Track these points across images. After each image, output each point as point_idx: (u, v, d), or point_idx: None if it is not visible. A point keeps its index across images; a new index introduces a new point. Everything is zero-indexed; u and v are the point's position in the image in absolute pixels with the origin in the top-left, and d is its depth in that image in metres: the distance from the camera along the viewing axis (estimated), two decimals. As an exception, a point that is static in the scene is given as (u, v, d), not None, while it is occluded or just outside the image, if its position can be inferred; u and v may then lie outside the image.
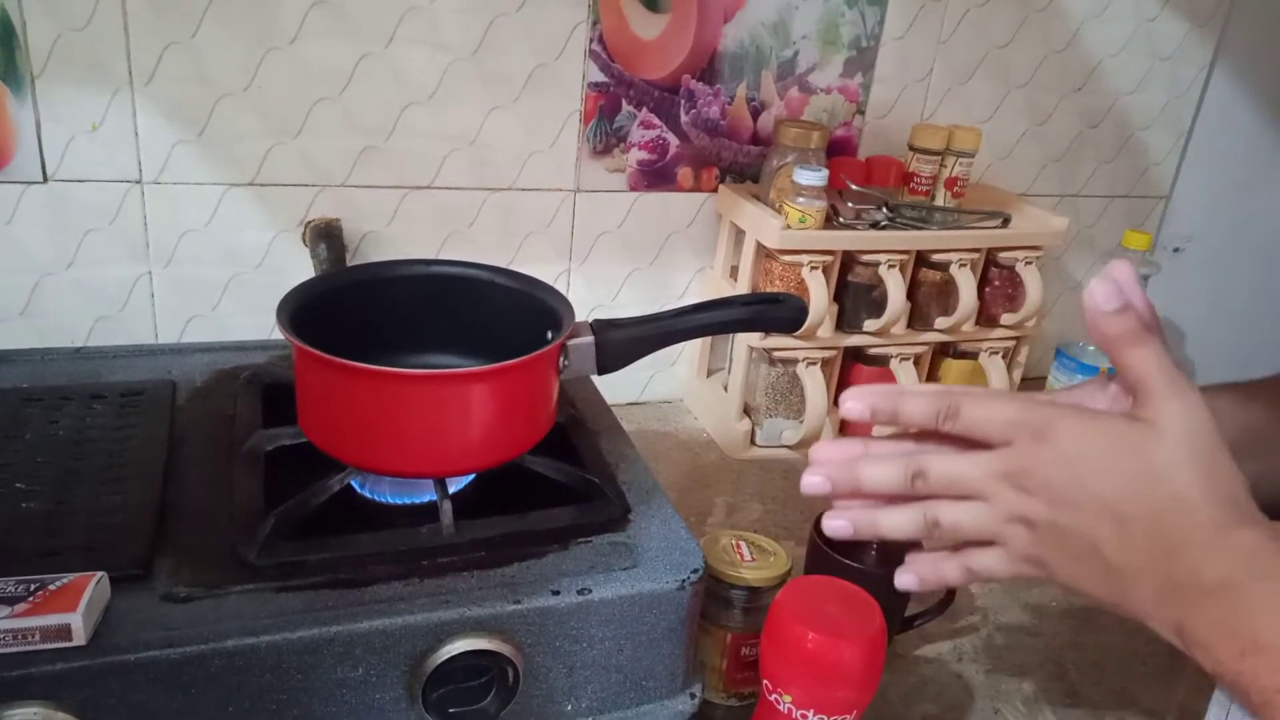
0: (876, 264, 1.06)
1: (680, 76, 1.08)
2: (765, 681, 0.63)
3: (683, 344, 1.18)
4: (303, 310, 0.68)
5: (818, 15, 1.10)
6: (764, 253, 1.06)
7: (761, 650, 0.64)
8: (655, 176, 1.11)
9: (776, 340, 1.06)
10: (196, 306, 0.99)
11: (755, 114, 1.12)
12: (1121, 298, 0.51)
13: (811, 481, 0.59)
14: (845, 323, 1.10)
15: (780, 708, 0.62)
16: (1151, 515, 0.50)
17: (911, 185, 1.13)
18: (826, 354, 1.09)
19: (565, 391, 0.82)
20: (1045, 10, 1.20)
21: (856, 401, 0.56)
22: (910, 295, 1.11)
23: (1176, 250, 1.42)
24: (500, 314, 0.77)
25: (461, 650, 0.59)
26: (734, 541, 0.75)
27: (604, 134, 1.07)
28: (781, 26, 1.09)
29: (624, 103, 1.07)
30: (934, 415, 0.55)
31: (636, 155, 1.09)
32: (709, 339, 1.19)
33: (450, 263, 0.80)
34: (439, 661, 0.59)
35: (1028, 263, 1.13)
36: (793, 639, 0.60)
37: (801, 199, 1.01)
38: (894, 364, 1.11)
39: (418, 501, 0.72)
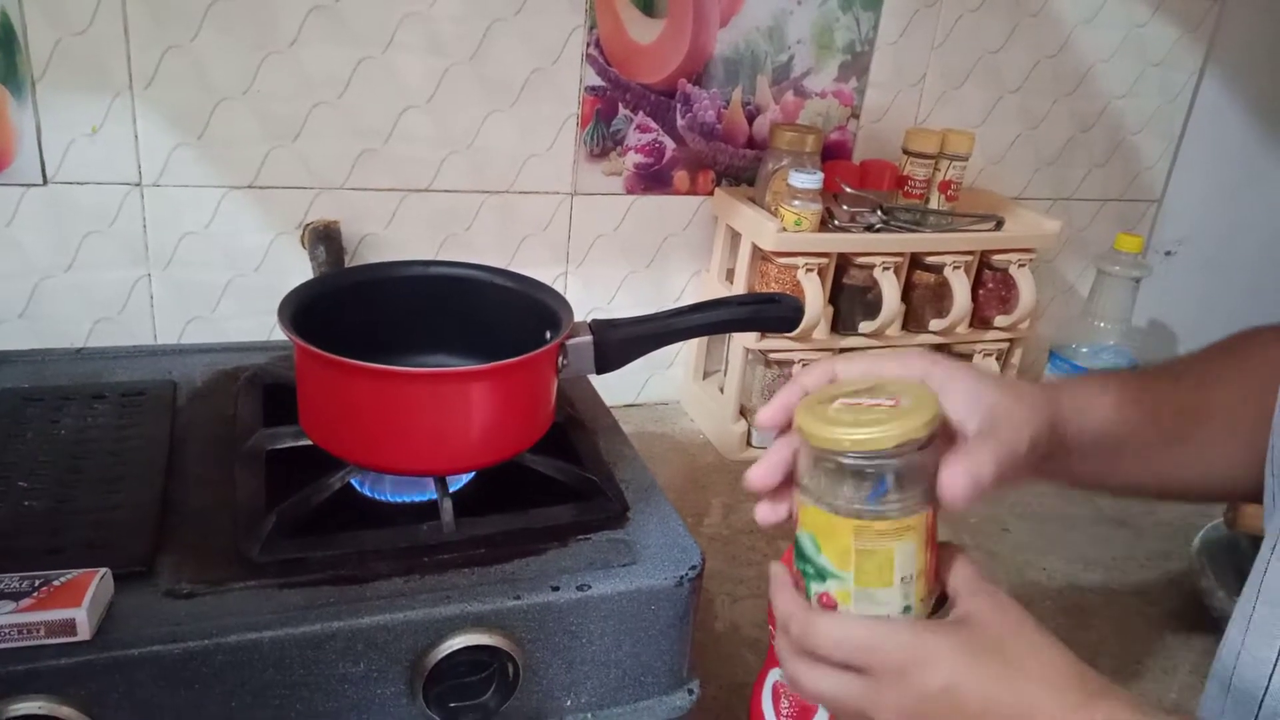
0: (871, 266, 1.07)
1: (676, 80, 1.09)
2: (771, 626, 0.62)
3: (679, 346, 1.19)
4: (304, 310, 0.69)
5: (812, 20, 1.11)
6: (760, 255, 1.07)
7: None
8: (652, 180, 1.12)
9: (772, 342, 1.07)
10: (196, 309, 1.00)
11: (750, 118, 1.13)
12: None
13: None
14: (840, 325, 1.11)
15: None
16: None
17: (906, 189, 1.14)
18: (822, 356, 1.10)
19: (564, 391, 0.82)
20: (1037, 16, 1.21)
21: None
22: (905, 297, 1.12)
23: (1168, 254, 1.43)
24: (499, 314, 0.77)
25: (462, 645, 0.59)
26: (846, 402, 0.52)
27: (601, 137, 1.08)
28: (776, 31, 1.10)
29: (620, 106, 1.07)
30: (787, 635, 0.53)
31: (633, 158, 1.10)
32: (705, 341, 1.20)
33: (450, 263, 0.80)
34: (440, 657, 0.59)
35: (1021, 265, 1.14)
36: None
37: (797, 202, 1.02)
38: (889, 366, 1.12)
39: (418, 500, 0.72)
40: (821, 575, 0.51)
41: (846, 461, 0.49)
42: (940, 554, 0.52)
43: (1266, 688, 0.55)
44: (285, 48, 0.93)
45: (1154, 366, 0.67)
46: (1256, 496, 0.65)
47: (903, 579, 0.50)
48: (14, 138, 0.88)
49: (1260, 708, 0.55)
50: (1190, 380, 0.65)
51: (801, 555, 0.52)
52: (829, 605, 0.51)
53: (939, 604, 0.53)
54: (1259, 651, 0.56)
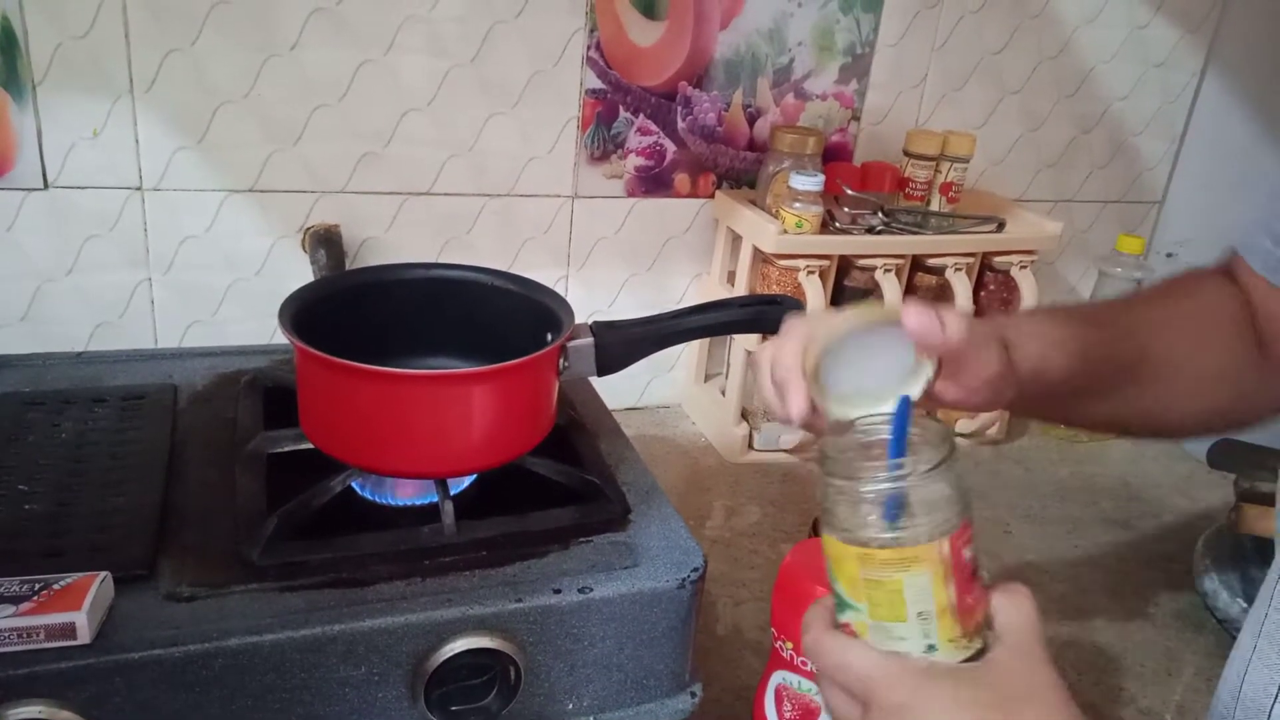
0: (873, 268, 1.07)
1: (677, 83, 1.08)
2: (774, 629, 0.66)
3: (681, 349, 1.19)
4: (305, 313, 0.69)
5: (813, 22, 1.11)
6: (761, 257, 1.07)
7: (773, 605, 0.65)
8: (652, 182, 1.12)
9: (774, 344, 1.07)
10: (196, 312, 1.00)
11: (751, 120, 1.13)
12: None
13: None
14: (842, 327, 1.11)
15: (784, 654, 0.65)
16: None
17: (907, 190, 1.14)
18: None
19: (565, 394, 0.82)
20: (1038, 17, 1.21)
21: None
22: (906, 299, 1.11)
23: (1170, 255, 1.43)
24: (500, 317, 0.77)
25: (463, 649, 0.59)
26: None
27: (601, 140, 1.08)
28: (777, 33, 1.10)
29: (621, 109, 1.07)
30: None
31: (634, 161, 1.10)
32: (707, 344, 1.20)
33: (451, 266, 0.80)
34: (441, 660, 0.59)
35: (1022, 267, 1.14)
36: (804, 596, 0.60)
37: (798, 204, 1.02)
38: (891, 368, 1.12)
39: (419, 502, 0.72)
40: (842, 605, 0.50)
41: (859, 488, 0.48)
42: (999, 594, 0.50)
43: (1276, 698, 0.54)
44: (286, 51, 0.93)
45: (1096, 307, 0.67)
46: (1208, 432, 0.73)
47: (919, 614, 0.47)
48: (15, 142, 0.88)
49: (1269, 716, 0.54)
50: (1128, 328, 0.65)
51: (829, 583, 0.52)
52: (851, 635, 0.50)
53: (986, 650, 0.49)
54: (1270, 659, 0.55)
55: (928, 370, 0.55)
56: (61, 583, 0.54)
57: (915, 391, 0.54)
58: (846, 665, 0.49)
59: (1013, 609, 0.49)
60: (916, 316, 0.50)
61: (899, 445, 0.49)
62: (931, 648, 0.48)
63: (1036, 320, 0.61)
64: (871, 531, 0.48)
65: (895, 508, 0.48)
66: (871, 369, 0.54)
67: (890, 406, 0.51)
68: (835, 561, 0.50)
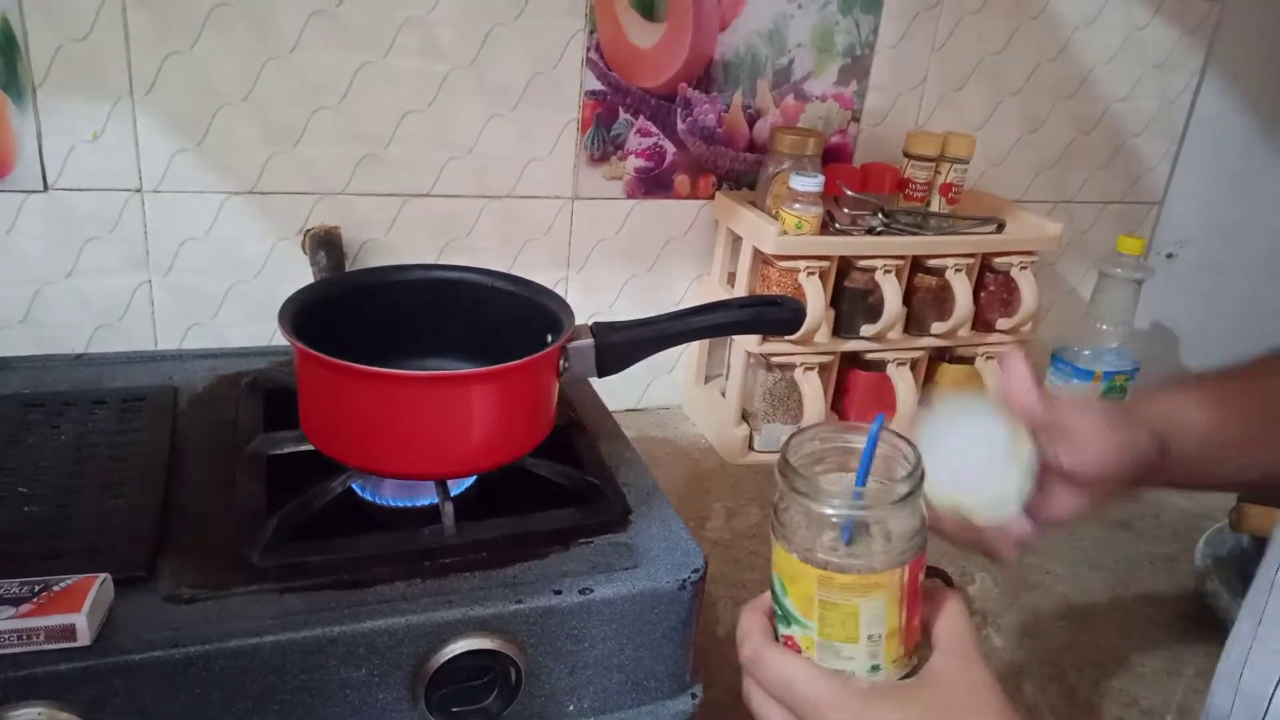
0: (873, 269, 1.07)
1: (677, 84, 1.08)
2: None
3: (681, 351, 1.19)
4: (305, 314, 0.69)
5: (812, 23, 1.11)
6: (761, 258, 1.07)
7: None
8: (652, 184, 1.12)
9: (774, 345, 1.07)
10: (196, 315, 1.00)
11: (751, 121, 1.13)
12: None
13: None
14: (842, 328, 1.11)
15: None
16: None
17: (907, 191, 1.14)
18: (824, 359, 1.09)
19: (565, 395, 0.82)
20: (1037, 18, 1.21)
21: None
22: (906, 300, 1.11)
23: (1170, 256, 1.43)
24: (500, 318, 0.77)
25: (464, 650, 0.59)
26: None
27: (601, 142, 1.08)
28: (777, 35, 1.10)
29: (621, 111, 1.07)
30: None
31: (634, 163, 1.10)
32: (707, 345, 1.20)
33: (451, 267, 0.80)
34: (442, 661, 0.59)
35: (1023, 268, 1.14)
36: None
37: (798, 205, 1.02)
38: (890, 369, 1.12)
39: (419, 504, 0.72)
40: (787, 619, 0.50)
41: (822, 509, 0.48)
42: (933, 599, 0.50)
43: (1277, 684, 0.54)
44: (286, 53, 0.93)
45: (1237, 365, 0.67)
46: None
47: (870, 636, 0.48)
48: (14, 144, 0.88)
49: (1269, 706, 0.54)
50: (1262, 370, 0.64)
51: (773, 592, 0.51)
52: (794, 649, 0.50)
53: (921, 663, 0.50)
54: (1271, 646, 0.55)
55: (1024, 439, 0.55)
56: (61, 584, 0.54)
57: (1023, 465, 0.55)
58: (790, 683, 0.49)
59: (947, 617, 0.50)
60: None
61: (868, 471, 0.49)
62: (876, 668, 0.48)
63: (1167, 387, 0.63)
64: (836, 556, 0.47)
65: (860, 534, 0.47)
66: (970, 454, 0.55)
67: (1003, 504, 0.53)
68: (788, 577, 0.49)
